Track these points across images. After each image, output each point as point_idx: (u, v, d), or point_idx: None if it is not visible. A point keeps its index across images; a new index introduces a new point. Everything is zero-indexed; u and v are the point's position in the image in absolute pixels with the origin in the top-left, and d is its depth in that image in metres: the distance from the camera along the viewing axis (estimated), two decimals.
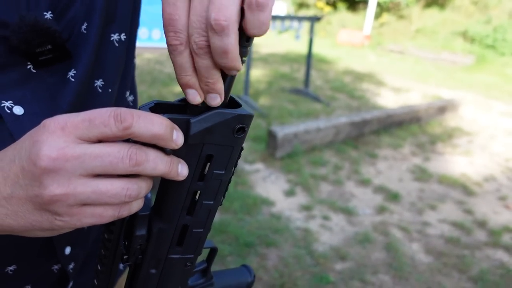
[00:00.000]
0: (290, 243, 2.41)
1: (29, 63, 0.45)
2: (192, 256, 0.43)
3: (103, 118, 0.29)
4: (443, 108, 5.18)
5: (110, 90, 0.53)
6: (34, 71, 0.46)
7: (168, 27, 0.29)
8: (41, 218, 0.31)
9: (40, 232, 0.32)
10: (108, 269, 0.40)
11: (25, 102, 0.45)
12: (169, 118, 0.32)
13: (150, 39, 3.01)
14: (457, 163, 3.90)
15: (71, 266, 0.57)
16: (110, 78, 0.53)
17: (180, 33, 0.29)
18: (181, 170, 0.34)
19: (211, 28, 0.28)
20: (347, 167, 3.55)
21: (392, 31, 12.32)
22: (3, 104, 0.43)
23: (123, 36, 0.54)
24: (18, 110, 0.45)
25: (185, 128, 0.33)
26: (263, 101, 5.45)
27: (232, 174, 0.38)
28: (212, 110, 0.33)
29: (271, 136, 3.52)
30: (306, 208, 2.81)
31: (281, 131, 3.49)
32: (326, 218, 2.71)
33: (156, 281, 0.43)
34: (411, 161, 3.85)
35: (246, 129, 0.35)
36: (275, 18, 5.07)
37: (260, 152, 3.62)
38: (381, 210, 2.88)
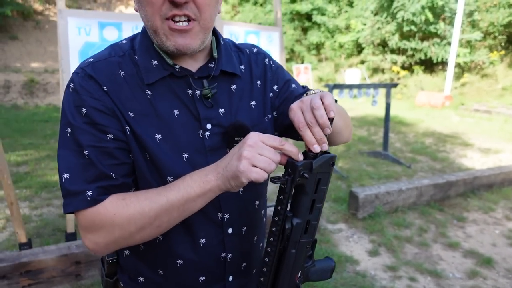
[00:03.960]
0: None
1: (227, 147, 0.81)
2: (311, 240, 0.73)
3: (276, 137, 0.68)
4: None
5: None
6: (228, 150, 0.81)
7: (299, 123, 0.68)
8: (235, 181, 0.68)
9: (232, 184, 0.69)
10: (272, 258, 0.71)
11: None
12: (304, 162, 0.67)
13: None
14: None
15: None
16: None
17: (304, 121, 0.68)
18: (298, 155, 0.69)
19: (313, 108, 0.67)
20: (432, 230, 3.50)
21: (476, 90, 11.90)
22: None
23: None
24: None
25: (310, 166, 0.68)
26: (342, 163, 5.64)
27: (327, 188, 0.72)
28: (319, 156, 0.68)
29: (353, 197, 3.67)
30: (391, 268, 2.85)
31: (362, 192, 3.63)
32: (413, 279, 2.71)
33: (293, 258, 0.73)
34: (505, 225, 3.65)
35: (334, 163, 0.70)
36: (352, 86, 5.40)
37: (342, 212, 3.76)
38: (473, 275, 2.78)
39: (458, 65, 12.30)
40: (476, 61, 12.28)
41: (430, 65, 13.62)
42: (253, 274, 0.93)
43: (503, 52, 12.18)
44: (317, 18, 16.27)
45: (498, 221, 3.75)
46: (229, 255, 0.85)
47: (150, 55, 0.78)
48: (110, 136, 0.73)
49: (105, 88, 0.73)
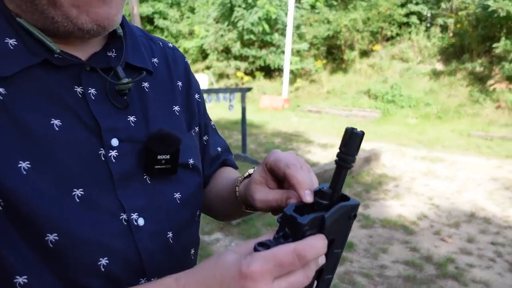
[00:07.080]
0: None
1: (145, 175, 0.56)
2: None
3: (290, 261, 0.39)
4: (368, 159, 5.79)
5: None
6: (149, 182, 0.56)
7: (302, 183, 0.50)
8: None
9: None
10: None
11: (145, 213, 0.55)
12: (311, 219, 0.43)
13: None
14: (391, 206, 4.33)
15: None
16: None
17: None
18: (321, 262, 0.45)
19: (305, 169, 0.54)
20: None
21: (307, 94, 13.61)
22: (132, 217, 0.53)
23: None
24: (141, 221, 0.54)
25: (321, 222, 0.44)
26: None
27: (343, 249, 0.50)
28: (335, 205, 0.45)
29: None
30: None
31: None
32: None
33: None
34: None
35: (356, 215, 0.48)
36: (209, 91, 5.36)
37: (216, 221, 3.64)
38: (342, 260, 3.05)
39: (291, 71, 13.83)
40: (306, 68, 14.06)
41: (269, 71, 14.91)
42: None
43: (324, 61, 14.30)
44: (159, 22, 15.86)
45: None
46: None
47: (2, 29, 0.47)
48: None
49: None
